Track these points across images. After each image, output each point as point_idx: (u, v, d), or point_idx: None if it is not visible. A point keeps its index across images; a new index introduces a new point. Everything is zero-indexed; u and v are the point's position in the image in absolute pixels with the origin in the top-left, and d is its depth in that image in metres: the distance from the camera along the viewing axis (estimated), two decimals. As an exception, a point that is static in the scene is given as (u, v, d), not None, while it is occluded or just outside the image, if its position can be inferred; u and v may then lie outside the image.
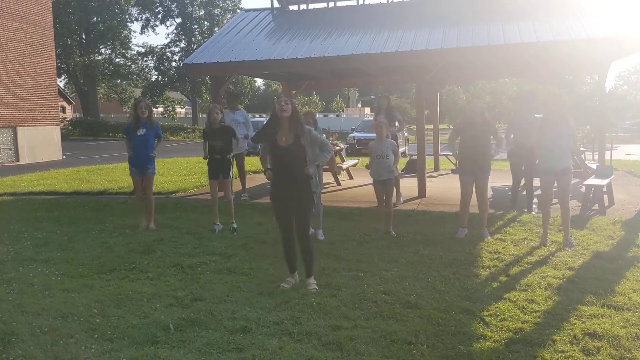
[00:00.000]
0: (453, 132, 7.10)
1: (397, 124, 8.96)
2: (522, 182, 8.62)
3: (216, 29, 46.88)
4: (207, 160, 7.33)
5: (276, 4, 12.79)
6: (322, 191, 7.18)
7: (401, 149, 20.29)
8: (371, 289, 4.75)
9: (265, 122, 5.31)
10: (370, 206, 8.78)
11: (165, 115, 48.08)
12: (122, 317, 4.18)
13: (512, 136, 8.38)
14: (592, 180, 8.33)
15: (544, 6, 10.08)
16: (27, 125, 20.71)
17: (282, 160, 4.80)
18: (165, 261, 5.78)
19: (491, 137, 6.74)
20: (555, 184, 6.35)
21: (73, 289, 4.89)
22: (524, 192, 8.64)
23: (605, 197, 8.48)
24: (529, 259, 5.69)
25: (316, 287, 4.79)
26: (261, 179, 12.95)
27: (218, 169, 7.25)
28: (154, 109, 47.76)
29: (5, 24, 19.61)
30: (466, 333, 3.83)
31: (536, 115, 8.55)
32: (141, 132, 7.32)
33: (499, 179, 10.87)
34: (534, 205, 8.33)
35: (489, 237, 6.58)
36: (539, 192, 8.97)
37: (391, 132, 8.27)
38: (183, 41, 49.95)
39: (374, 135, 7.11)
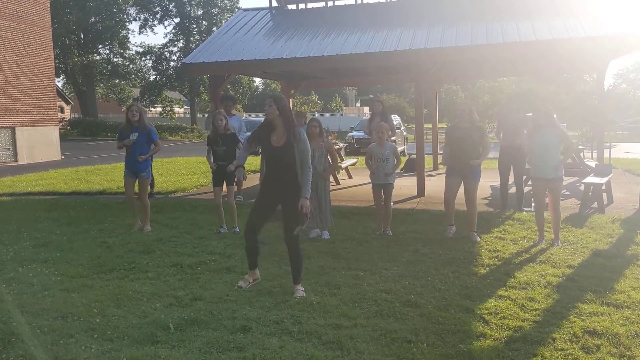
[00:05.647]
0: (445, 138, 6.85)
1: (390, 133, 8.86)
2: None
3: (214, 28, 46.83)
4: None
5: (274, 3, 12.79)
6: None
7: (400, 148, 20.43)
8: (371, 288, 4.75)
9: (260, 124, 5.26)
10: (370, 205, 8.78)
11: (164, 115, 48.01)
12: (122, 316, 4.18)
13: (501, 135, 8.41)
14: (591, 179, 8.34)
15: (542, 5, 10.08)
16: (26, 126, 20.69)
17: (274, 162, 4.71)
18: (165, 261, 5.78)
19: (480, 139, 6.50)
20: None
21: (73, 289, 4.89)
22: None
23: (605, 195, 8.49)
24: (529, 257, 5.70)
25: (303, 293, 4.61)
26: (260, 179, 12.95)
27: (222, 176, 7.16)
28: (153, 109, 46.55)
29: (4, 24, 19.58)
30: (466, 331, 3.83)
31: (527, 114, 8.56)
32: (133, 136, 7.25)
33: (497, 178, 10.85)
34: (531, 207, 8.32)
35: (479, 240, 6.44)
36: (527, 189, 8.97)
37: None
38: (181, 41, 49.87)
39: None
